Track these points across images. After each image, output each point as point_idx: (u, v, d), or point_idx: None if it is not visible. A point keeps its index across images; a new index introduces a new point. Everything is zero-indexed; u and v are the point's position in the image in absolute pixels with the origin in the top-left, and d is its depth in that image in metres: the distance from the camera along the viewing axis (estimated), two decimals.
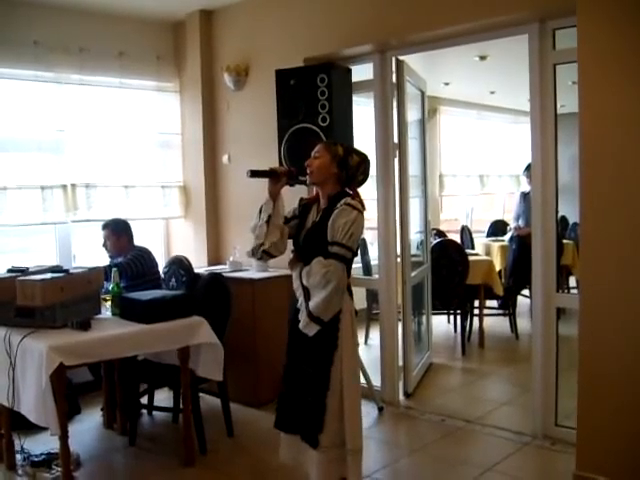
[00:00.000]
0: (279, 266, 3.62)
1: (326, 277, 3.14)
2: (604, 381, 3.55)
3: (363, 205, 3.27)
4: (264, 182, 3.39)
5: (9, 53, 5.17)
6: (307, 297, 3.24)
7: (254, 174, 3.35)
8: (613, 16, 3.43)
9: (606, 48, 3.45)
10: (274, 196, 3.34)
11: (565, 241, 7.12)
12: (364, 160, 3.36)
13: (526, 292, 7.46)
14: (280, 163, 4.91)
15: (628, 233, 3.44)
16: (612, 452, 3.52)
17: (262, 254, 3.37)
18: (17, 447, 4.21)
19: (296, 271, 3.32)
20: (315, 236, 3.26)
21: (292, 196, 3.56)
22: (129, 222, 5.18)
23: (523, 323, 7.27)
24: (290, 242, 3.43)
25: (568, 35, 3.95)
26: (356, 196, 3.30)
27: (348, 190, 3.32)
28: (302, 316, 3.24)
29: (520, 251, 6.97)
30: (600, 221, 3.53)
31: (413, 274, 5.42)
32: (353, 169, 3.30)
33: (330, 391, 3.21)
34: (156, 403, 5.03)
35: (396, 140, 5.17)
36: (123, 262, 4.86)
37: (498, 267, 7.53)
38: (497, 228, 9.11)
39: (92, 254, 5.55)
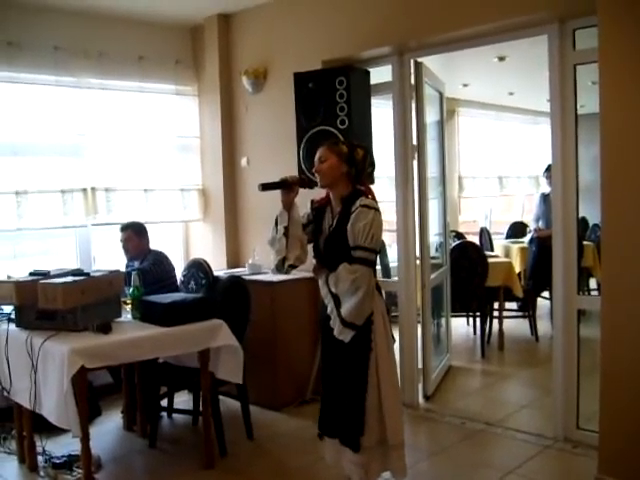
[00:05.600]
0: (298, 269, 3.62)
1: (355, 283, 3.14)
2: (626, 383, 3.52)
3: (376, 200, 3.27)
4: None
5: (30, 58, 5.22)
6: (337, 304, 3.24)
7: (265, 187, 3.34)
8: (634, 15, 3.39)
9: (627, 48, 3.42)
10: (288, 206, 3.33)
11: (585, 243, 7.07)
12: (367, 151, 3.38)
13: (546, 294, 7.41)
14: (299, 166, 4.92)
15: None
16: (635, 456, 3.48)
17: (288, 268, 3.37)
18: (39, 449, 4.25)
19: (322, 278, 3.32)
20: (335, 242, 3.26)
21: (302, 199, 3.53)
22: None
23: (543, 325, 7.22)
24: (310, 247, 3.43)
25: (588, 35, 3.92)
26: (368, 192, 3.30)
27: (360, 187, 3.32)
28: (335, 323, 3.24)
29: (540, 253, 6.92)
30: (622, 222, 3.50)
31: (432, 276, 5.41)
32: (361, 163, 3.31)
33: (368, 393, 3.22)
34: (176, 406, 5.06)
35: (415, 142, 5.16)
36: (146, 267, 4.87)
37: (518, 269, 7.48)
38: (516, 230, 9.06)
39: (112, 257, 5.59)
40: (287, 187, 3.34)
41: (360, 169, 3.31)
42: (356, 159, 3.29)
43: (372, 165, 3.41)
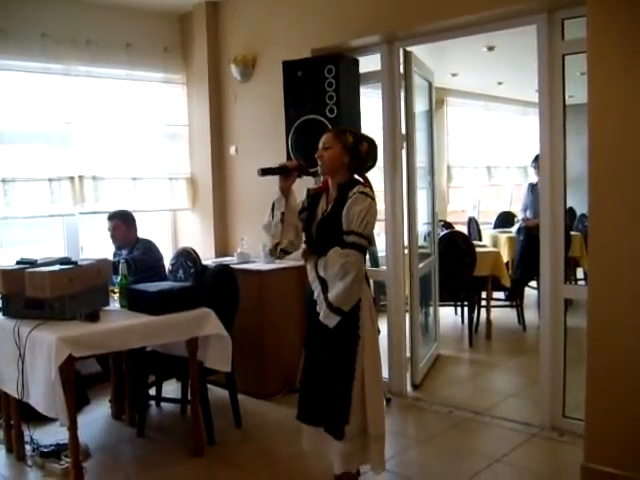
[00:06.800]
0: (287, 257, 3.61)
1: (345, 267, 3.12)
2: (612, 372, 3.55)
3: (373, 191, 3.26)
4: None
5: (17, 46, 5.19)
6: (324, 288, 3.22)
7: (265, 172, 3.32)
8: (622, 6, 3.40)
9: (616, 38, 3.43)
10: (286, 192, 3.32)
11: (573, 233, 7.10)
12: (372, 145, 3.35)
13: (533, 284, 7.45)
14: (288, 154, 4.91)
15: (636, 224, 3.42)
16: (620, 444, 3.52)
17: (281, 253, 3.37)
18: (26, 438, 4.24)
19: (311, 263, 3.30)
20: (328, 226, 3.24)
21: (299, 187, 3.52)
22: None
23: (530, 315, 7.26)
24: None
25: (577, 25, 3.92)
26: (366, 183, 3.29)
27: (358, 177, 3.31)
28: (321, 308, 3.22)
29: (528, 243, 6.95)
30: (608, 212, 3.52)
31: (420, 265, 5.42)
32: (363, 157, 3.28)
33: (355, 381, 3.21)
34: (164, 394, 5.05)
35: (403, 131, 5.16)
36: (138, 255, 4.88)
37: (505, 258, 7.52)
38: (504, 219, 9.10)
39: (100, 246, 5.57)
40: (286, 173, 3.33)
41: (362, 162, 3.29)
42: (360, 152, 3.26)
43: (374, 159, 3.37)
